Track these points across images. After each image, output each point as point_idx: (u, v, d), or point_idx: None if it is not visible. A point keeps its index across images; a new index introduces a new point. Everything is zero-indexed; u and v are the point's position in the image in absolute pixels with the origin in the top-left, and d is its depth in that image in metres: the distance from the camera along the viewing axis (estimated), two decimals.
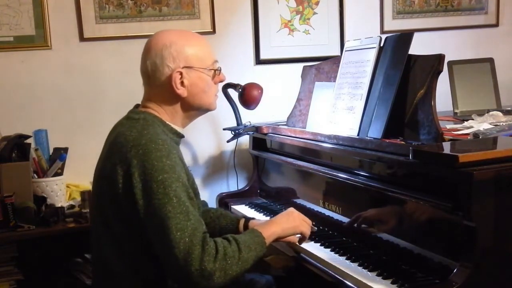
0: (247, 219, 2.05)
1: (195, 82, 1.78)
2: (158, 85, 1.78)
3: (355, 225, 1.97)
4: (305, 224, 1.91)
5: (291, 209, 1.96)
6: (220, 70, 1.85)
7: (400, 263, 1.74)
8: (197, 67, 1.78)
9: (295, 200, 2.42)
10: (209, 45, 1.85)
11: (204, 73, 1.80)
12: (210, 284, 1.58)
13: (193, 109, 1.83)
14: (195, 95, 1.80)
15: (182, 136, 1.86)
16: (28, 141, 2.67)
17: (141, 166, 1.62)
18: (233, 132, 2.85)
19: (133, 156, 1.64)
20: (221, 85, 2.16)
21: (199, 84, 1.79)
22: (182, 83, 1.77)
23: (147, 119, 1.75)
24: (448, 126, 2.07)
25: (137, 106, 1.86)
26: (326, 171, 2.13)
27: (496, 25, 3.44)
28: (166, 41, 1.76)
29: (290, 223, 1.88)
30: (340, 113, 2.17)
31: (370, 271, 1.72)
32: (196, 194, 1.76)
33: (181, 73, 1.76)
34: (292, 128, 2.52)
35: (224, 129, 2.90)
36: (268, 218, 2.35)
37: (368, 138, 1.97)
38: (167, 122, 1.80)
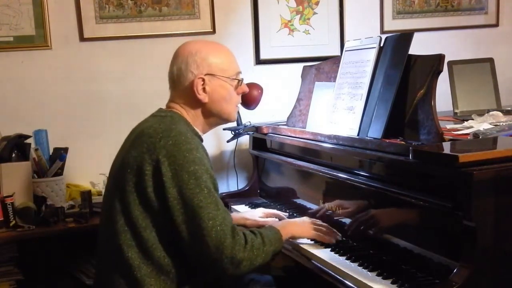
0: None
1: (216, 90, 1.87)
2: (182, 89, 1.87)
3: (355, 225, 1.97)
4: (316, 229, 2.01)
5: (305, 217, 2.10)
6: (242, 80, 1.94)
7: (400, 263, 1.74)
8: (219, 75, 1.86)
9: (295, 200, 2.42)
10: (233, 57, 1.95)
11: (226, 82, 1.89)
12: (236, 271, 1.72)
13: (213, 115, 1.91)
14: (215, 101, 1.88)
15: (201, 140, 1.91)
16: (28, 141, 2.67)
17: (171, 156, 1.69)
18: (233, 132, 2.86)
19: (163, 146, 1.70)
20: None
21: (220, 91, 1.88)
22: (204, 90, 1.85)
23: (174, 117, 1.84)
24: (448, 126, 2.07)
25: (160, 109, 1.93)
26: (326, 171, 2.13)
27: (496, 25, 3.44)
28: (193, 49, 1.87)
29: (302, 227, 2.02)
30: (340, 113, 2.17)
31: (370, 271, 1.72)
32: (217, 190, 1.82)
33: (203, 80, 1.84)
34: (292, 128, 2.52)
35: (224, 129, 2.90)
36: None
37: (368, 138, 1.97)
38: (190, 123, 1.88)
